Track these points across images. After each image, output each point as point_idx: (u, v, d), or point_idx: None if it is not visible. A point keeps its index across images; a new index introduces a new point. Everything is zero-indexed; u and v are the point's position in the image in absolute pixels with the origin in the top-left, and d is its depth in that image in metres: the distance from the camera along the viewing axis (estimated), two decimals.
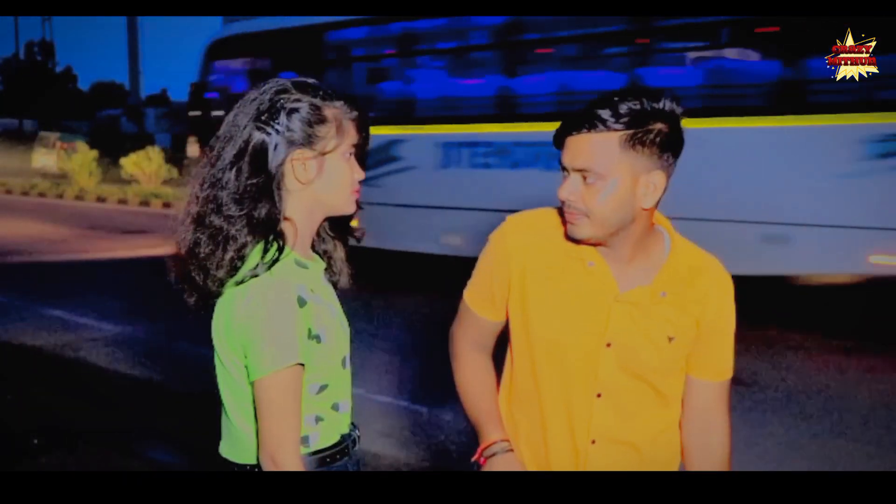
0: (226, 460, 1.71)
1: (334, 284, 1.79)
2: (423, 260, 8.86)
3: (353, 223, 1.84)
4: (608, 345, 1.76)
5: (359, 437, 1.80)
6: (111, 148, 25.19)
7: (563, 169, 1.71)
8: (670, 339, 1.76)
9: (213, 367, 1.69)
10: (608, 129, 1.63)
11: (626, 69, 7.67)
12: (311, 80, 1.67)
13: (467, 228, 8.18)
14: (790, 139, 6.53)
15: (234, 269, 1.61)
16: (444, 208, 8.49)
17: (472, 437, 1.93)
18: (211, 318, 1.67)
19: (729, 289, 1.82)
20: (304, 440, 1.66)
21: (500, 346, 1.95)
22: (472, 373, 1.93)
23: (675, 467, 1.88)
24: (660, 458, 1.84)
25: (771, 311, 7.28)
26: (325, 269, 1.77)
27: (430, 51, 9.51)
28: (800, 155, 6.54)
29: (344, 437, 1.73)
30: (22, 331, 7.06)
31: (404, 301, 8.29)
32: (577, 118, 1.66)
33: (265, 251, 1.60)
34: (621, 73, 7.73)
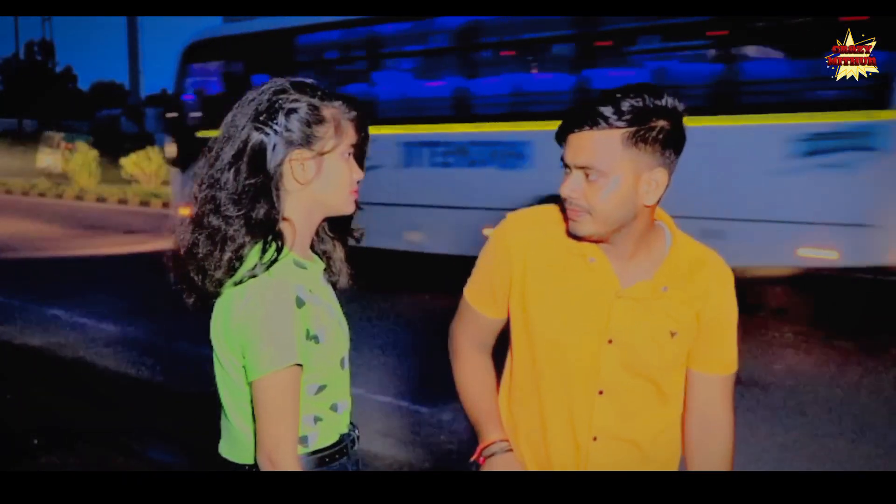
0: (225, 460, 1.71)
1: (333, 285, 1.79)
2: (424, 260, 8.90)
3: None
4: (610, 341, 1.76)
5: (358, 437, 1.80)
6: (112, 148, 25.18)
7: (565, 166, 1.71)
8: (672, 335, 1.76)
9: (213, 368, 1.69)
10: (610, 126, 1.63)
11: (575, 71, 7.99)
12: (309, 81, 1.67)
13: (428, 225, 8.60)
14: (724, 138, 6.75)
15: (232, 270, 1.61)
16: (407, 206, 8.72)
17: (472, 437, 1.93)
18: (210, 318, 1.67)
19: (729, 282, 1.82)
20: (303, 440, 1.66)
21: (501, 344, 1.95)
22: (472, 371, 1.93)
23: (675, 465, 1.88)
24: (660, 455, 1.84)
25: (771, 311, 7.28)
26: (325, 270, 1.77)
27: (392, 54, 9.80)
28: (734, 153, 6.80)
29: (343, 437, 1.73)
30: (22, 331, 7.07)
31: (404, 301, 8.29)
32: (580, 115, 1.66)
33: (264, 251, 1.60)
34: (570, 75, 8.05)
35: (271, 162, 1.61)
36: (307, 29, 9.57)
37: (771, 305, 7.62)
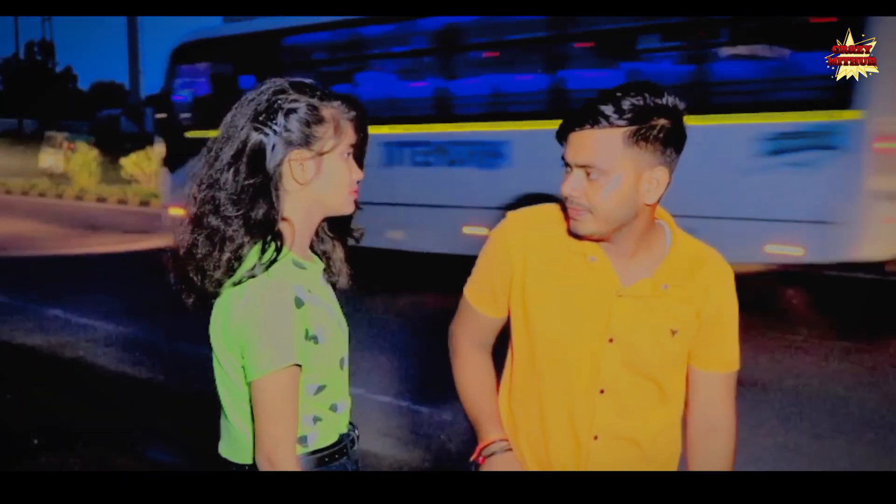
0: (225, 460, 1.71)
1: (333, 285, 1.79)
2: (423, 259, 8.91)
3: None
4: (610, 340, 1.76)
5: (358, 436, 1.79)
6: (113, 148, 25.19)
7: (566, 165, 1.71)
8: (673, 333, 1.76)
9: (212, 368, 1.69)
10: (612, 125, 1.63)
11: (550, 72, 8.18)
12: (308, 81, 1.68)
13: (408, 223, 8.75)
14: (693, 138, 6.80)
15: (230, 270, 1.61)
16: (388, 205, 8.80)
17: (472, 437, 1.93)
18: (210, 317, 1.67)
19: (730, 279, 1.82)
20: (303, 440, 1.66)
21: (501, 344, 1.95)
22: (472, 371, 1.93)
23: (675, 464, 1.88)
24: (661, 454, 1.84)
25: (771, 310, 7.28)
26: (324, 270, 1.77)
27: (374, 55, 9.98)
28: (702, 152, 6.85)
29: (343, 437, 1.73)
30: (22, 331, 7.07)
31: (404, 301, 8.29)
32: (581, 114, 1.66)
33: (263, 252, 1.60)
34: (546, 76, 8.22)
35: (270, 162, 1.61)
36: (293, 31, 9.79)
37: (771, 305, 7.62)
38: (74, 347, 6.58)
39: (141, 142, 25.14)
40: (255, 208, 1.61)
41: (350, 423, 1.78)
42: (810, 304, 7.86)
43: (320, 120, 1.63)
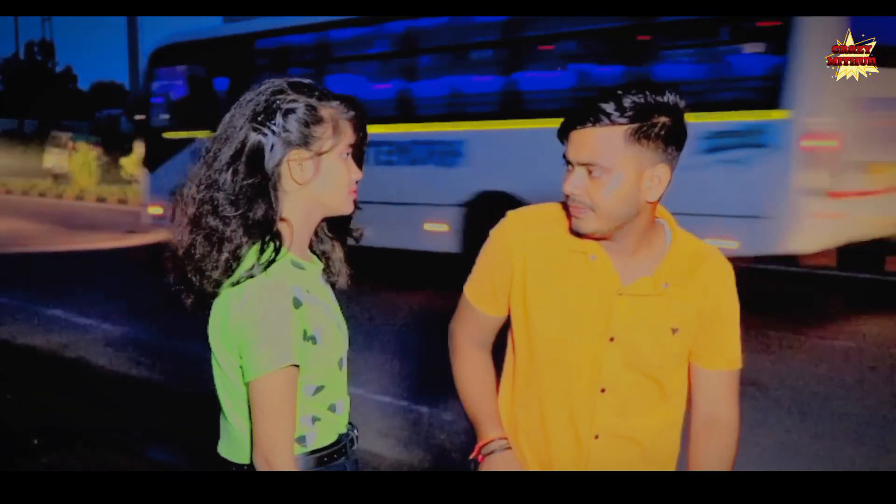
0: (225, 460, 1.71)
1: (332, 285, 1.79)
2: (424, 259, 8.94)
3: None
4: (611, 339, 1.76)
5: (357, 436, 1.79)
6: (113, 148, 25.21)
7: (568, 163, 1.71)
8: (674, 332, 1.76)
9: (212, 368, 1.69)
10: (613, 123, 1.64)
11: (503, 74, 8.52)
12: (307, 81, 1.68)
13: (372, 221, 8.94)
14: None
15: (229, 270, 1.61)
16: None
17: (471, 436, 1.93)
18: (209, 318, 1.67)
19: (730, 277, 1.82)
20: (302, 440, 1.66)
21: (500, 342, 1.95)
22: (472, 369, 1.93)
23: (674, 463, 1.88)
24: (660, 453, 1.84)
25: (771, 310, 7.29)
26: (323, 270, 1.76)
27: (340, 58, 10.29)
28: None
29: (342, 437, 1.73)
30: (22, 331, 7.07)
31: (404, 300, 8.29)
32: (582, 112, 1.66)
33: (261, 252, 1.60)
34: (500, 77, 8.55)
35: (269, 162, 1.61)
36: (263, 34, 10.24)
37: (771, 305, 7.62)
38: (74, 347, 6.57)
39: None
40: (253, 208, 1.61)
41: (349, 423, 1.78)
42: (811, 303, 7.86)
43: (319, 120, 1.63)
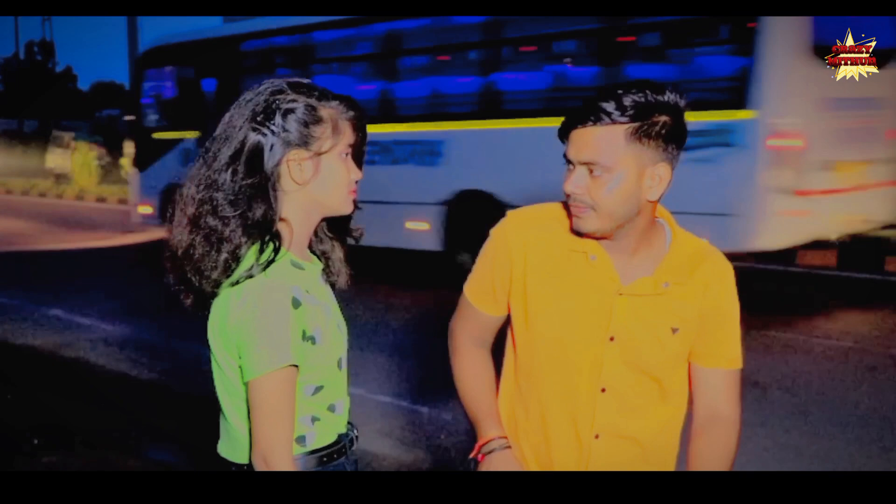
0: (224, 460, 1.71)
1: (332, 285, 1.79)
2: (423, 259, 8.95)
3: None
4: (611, 339, 1.76)
5: (357, 436, 1.79)
6: (114, 147, 25.21)
7: (569, 162, 1.71)
8: (674, 331, 1.76)
9: (211, 368, 1.69)
10: (613, 122, 1.64)
11: (483, 74, 8.66)
12: (306, 81, 1.68)
13: (357, 220, 9.24)
14: None
15: (228, 270, 1.61)
16: None
17: (471, 436, 1.93)
18: (208, 317, 1.67)
19: (729, 276, 1.82)
20: (301, 440, 1.66)
21: (500, 342, 1.94)
22: (471, 369, 1.93)
23: (673, 462, 1.88)
24: (660, 452, 1.84)
25: (771, 310, 7.28)
26: (323, 270, 1.76)
27: (325, 59, 10.45)
28: None
29: (341, 437, 1.73)
30: (22, 331, 7.07)
31: (404, 300, 8.29)
32: (582, 111, 1.66)
33: (261, 252, 1.60)
34: (479, 78, 8.70)
35: (269, 162, 1.61)
36: (249, 36, 10.42)
37: (771, 305, 7.62)
38: (74, 347, 6.57)
39: None
40: (252, 209, 1.61)
41: (349, 423, 1.78)
42: (811, 303, 7.86)
43: (318, 120, 1.63)
